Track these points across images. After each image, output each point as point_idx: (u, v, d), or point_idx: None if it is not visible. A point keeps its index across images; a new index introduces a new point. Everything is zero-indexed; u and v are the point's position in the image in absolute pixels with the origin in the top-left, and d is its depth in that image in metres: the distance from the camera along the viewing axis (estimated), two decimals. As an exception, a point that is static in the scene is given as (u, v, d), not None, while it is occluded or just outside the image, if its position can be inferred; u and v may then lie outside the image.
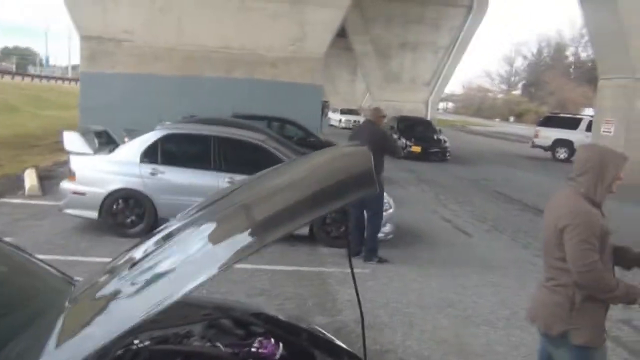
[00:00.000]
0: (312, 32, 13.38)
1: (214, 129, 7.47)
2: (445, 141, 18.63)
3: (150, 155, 6.94)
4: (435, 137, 18.89)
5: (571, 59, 66.18)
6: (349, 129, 32.06)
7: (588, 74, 50.56)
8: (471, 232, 8.56)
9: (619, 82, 14.74)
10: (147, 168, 6.84)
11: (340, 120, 37.27)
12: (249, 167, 6.96)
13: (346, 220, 6.89)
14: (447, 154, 18.23)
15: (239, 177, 6.82)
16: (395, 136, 18.24)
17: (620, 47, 14.25)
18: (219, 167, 6.93)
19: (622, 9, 13.72)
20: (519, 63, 78.22)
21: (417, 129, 19.50)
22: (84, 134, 7.25)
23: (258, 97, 13.29)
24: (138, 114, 11.76)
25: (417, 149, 17.92)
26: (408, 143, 18.07)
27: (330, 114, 39.69)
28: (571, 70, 64.05)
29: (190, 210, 2.30)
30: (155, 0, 13.09)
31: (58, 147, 12.89)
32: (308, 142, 11.30)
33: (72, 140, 6.92)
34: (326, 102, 66.79)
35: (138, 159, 6.88)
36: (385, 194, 7.40)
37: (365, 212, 6.50)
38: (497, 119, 63.38)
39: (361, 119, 33.60)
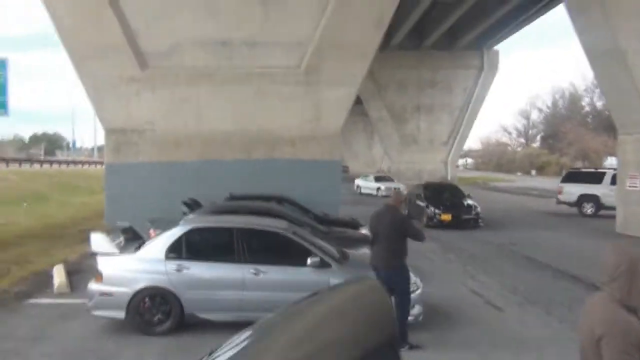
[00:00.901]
0: (327, 111, 13.74)
1: (237, 220, 7.57)
2: (475, 207, 17.62)
3: (175, 250, 7.02)
4: (465, 203, 17.93)
5: (587, 108, 66.31)
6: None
7: (606, 122, 50.40)
8: (502, 306, 8.34)
9: None
10: (173, 264, 6.89)
11: (378, 189, 32.74)
12: (273, 257, 7.13)
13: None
14: (480, 221, 17.22)
15: (263, 268, 6.89)
16: (422, 204, 17.76)
17: (636, 103, 14.29)
18: (243, 259, 6.95)
19: (633, 66, 13.87)
20: (535, 116, 78.68)
21: (445, 195, 18.63)
22: (110, 233, 7.43)
23: (278, 176, 13.53)
24: (162, 201, 12.08)
25: (447, 217, 16.91)
26: (436, 211, 17.11)
27: (360, 182, 36.09)
28: (588, 119, 64.03)
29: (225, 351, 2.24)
30: (175, 91, 13.63)
31: (85, 236, 13.15)
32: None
33: (98, 241, 7.06)
34: (346, 167, 67.62)
35: (163, 256, 6.95)
36: (411, 273, 7.33)
37: (393, 297, 6.41)
38: (518, 173, 63.01)
39: (399, 185, 30.50)
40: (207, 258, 7.12)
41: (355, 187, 35.46)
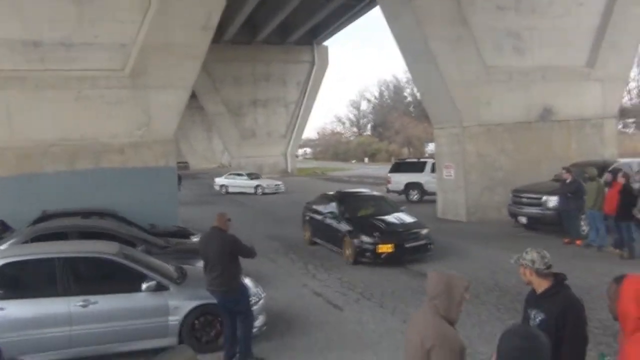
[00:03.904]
0: (158, 115, 13.14)
1: (59, 249, 6.89)
2: (421, 226, 11.88)
3: (-15, 290, 6.22)
4: (407, 221, 12.07)
5: (409, 99, 72.22)
6: (274, 193, 28.92)
7: (425, 111, 55.33)
8: (342, 304, 8.72)
9: (451, 131, 16.34)
10: (-17, 306, 6.10)
11: (258, 187, 29.72)
12: (103, 285, 6.65)
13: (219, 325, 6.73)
14: (430, 246, 11.61)
15: (93, 298, 6.38)
16: (340, 228, 11.94)
17: (447, 102, 15.85)
18: (68, 291, 6.38)
19: (443, 69, 15.34)
20: (365, 106, 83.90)
21: (370, 212, 12.51)
22: None
23: (107, 187, 12.71)
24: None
25: (387, 247, 10.98)
26: (368, 240, 11.11)
27: (227, 180, 31.48)
28: (411, 109, 69.74)
29: None
30: (-22, 98, 12.05)
31: None
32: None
33: None
34: (185, 163, 65.58)
35: (-29, 298, 6.12)
36: (251, 284, 7.35)
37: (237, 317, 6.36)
38: (353, 161, 66.61)
39: (278, 182, 30.92)
40: (26, 294, 6.42)
41: (218, 187, 31.48)
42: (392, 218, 12.14)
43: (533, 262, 3.53)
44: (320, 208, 13.38)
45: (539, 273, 3.53)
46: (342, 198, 13.07)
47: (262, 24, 37.53)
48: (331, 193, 13.89)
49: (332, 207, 12.72)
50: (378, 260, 11.06)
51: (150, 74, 12.93)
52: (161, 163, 13.34)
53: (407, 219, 12.22)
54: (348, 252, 11.56)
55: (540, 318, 3.52)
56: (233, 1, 25.13)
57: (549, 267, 3.52)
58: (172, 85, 13.21)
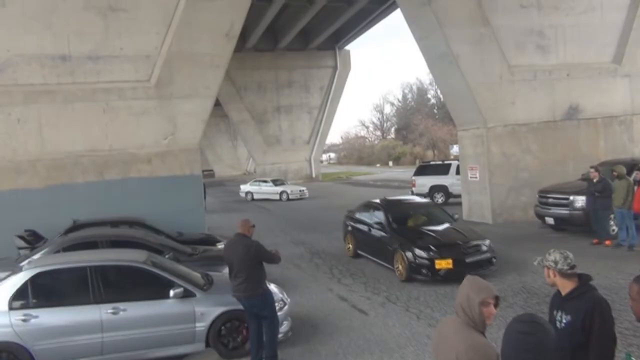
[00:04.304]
0: (183, 124, 13.34)
1: (89, 258, 7.07)
2: (481, 237, 10.55)
3: (20, 298, 6.41)
4: (465, 232, 10.73)
5: (433, 100, 71.80)
6: (299, 199, 29.45)
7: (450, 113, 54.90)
8: (367, 309, 8.73)
9: (475, 132, 16.21)
10: (18, 315, 6.28)
11: (283, 193, 30.03)
12: (132, 292, 6.79)
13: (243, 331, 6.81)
14: (493, 259, 10.23)
15: (122, 305, 6.53)
16: (390, 239, 10.76)
17: (470, 103, 15.74)
18: (99, 299, 6.54)
19: (465, 72, 15.25)
20: (388, 110, 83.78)
21: (421, 221, 11.34)
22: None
23: (135, 196, 12.92)
24: (6, 236, 10.88)
25: (446, 263, 9.68)
26: (423, 255, 9.87)
27: (252, 187, 31.63)
28: (435, 110, 69.30)
29: None
30: (10, 112, 12.39)
31: None
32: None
33: None
34: (211, 171, 66.20)
35: (6, 307, 6.31)
36: (277, 289, 7.42)
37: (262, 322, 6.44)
38: (377, 165, 66.41)
39: (302, 187, 31.24)
40: (58, 303, 6.59)
41: (244, 194, 31.64)
42: (447, 228, 10.91)
43: (556, 263, 3.49)
44: (364, 217, 12.20)
45: (562, 274, 3.49)
46: (389, 206, 11.75)
47: (284, 31, 37.80)
48: (376, 201, 12.48)
49: (378, 216, 11.60)
50: (435, 278, 9.79)
51: (175, 83, 13.16)
52: (187, 171, 13.53)
53: (464, 229, 11.02)
54: (400, 267, 10.30)
55: (566, 320, 3.48)
56: (255, 9, 25.41)
57: (572, 267, 3.48)
58: (197, 94, 13.41)
